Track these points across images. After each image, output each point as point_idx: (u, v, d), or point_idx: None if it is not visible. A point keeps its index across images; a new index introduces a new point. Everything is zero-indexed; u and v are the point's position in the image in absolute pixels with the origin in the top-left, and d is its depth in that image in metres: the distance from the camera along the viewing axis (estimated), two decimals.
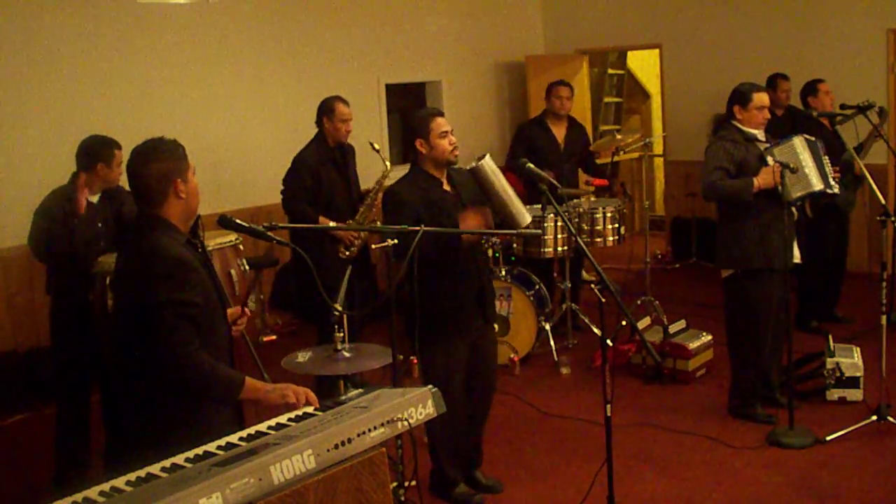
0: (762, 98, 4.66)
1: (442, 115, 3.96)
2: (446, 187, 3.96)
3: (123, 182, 4.32)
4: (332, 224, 5.29)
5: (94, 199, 4.34)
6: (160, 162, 2.75)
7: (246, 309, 3.19)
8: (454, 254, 3.87)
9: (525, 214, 3.91)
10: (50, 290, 4.40)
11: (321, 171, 5.36)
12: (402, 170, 4.12)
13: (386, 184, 5.32)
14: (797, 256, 4.73)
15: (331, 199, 5.40)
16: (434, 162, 3.91)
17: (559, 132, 6.71)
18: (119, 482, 2.13)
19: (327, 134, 5.41)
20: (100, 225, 4.33)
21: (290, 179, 5.43)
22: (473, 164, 3.85)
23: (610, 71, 10.91)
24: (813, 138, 4.77)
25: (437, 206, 3.85)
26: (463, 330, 3.99)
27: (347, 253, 5.45)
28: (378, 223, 5.23)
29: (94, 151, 4.30)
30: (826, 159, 4.74)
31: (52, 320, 4.42)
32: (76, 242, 4.20)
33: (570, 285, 6.36)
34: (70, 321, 4.32)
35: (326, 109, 5.39)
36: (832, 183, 4.72)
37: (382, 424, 2.35)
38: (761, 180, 4.52)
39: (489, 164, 3.85)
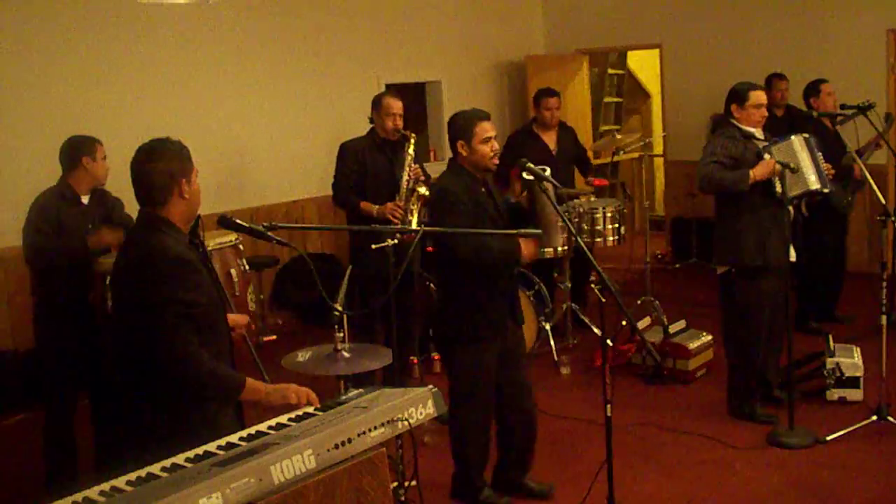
0: (759, 96, 4.66)
1: (488, 118, 3.83)
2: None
3: (109, 186, 4.38)
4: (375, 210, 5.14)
5: (85, 199, 4.31)
6: (166, 161, 2.74)
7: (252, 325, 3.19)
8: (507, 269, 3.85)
9: (557, 237, 3.89)
10: (35, 293, 4.34)
11: (367, 157, 5.28)
12: None
13: (410, 162, 5.25)
14: (792, 255, 4.73)
15: (377, 186, 5.28)
16: (473, 166, 3.84)
17: (550, 139, 6.66)
18: (119, 482, 2.12)
19: (378, 129, 5.34)
20: (90, 226, 4.30)
21: (336, 167, 5.38)
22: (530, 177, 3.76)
23: (610, 71, 10.91)
24: (808, 135, 4.77)
25: (481, 207, 3.81)
26: (495, 332, 3.89)
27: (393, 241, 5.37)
28: (413, 213, 5.19)
29: (77, 146, 4.28)
30: (819, 155, 4.73)
31: (38, 323, 4.35)
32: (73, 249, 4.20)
33: (569, 285, 6.35)
34: (59, 324, 4.27)
35: (375, 104, 5.34)
36: (826, 181, 4.72)
37: (382, 424, 2.35)
38: (758, 171, 4.51)
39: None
